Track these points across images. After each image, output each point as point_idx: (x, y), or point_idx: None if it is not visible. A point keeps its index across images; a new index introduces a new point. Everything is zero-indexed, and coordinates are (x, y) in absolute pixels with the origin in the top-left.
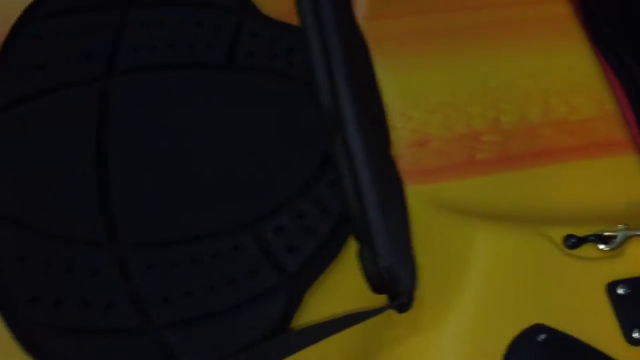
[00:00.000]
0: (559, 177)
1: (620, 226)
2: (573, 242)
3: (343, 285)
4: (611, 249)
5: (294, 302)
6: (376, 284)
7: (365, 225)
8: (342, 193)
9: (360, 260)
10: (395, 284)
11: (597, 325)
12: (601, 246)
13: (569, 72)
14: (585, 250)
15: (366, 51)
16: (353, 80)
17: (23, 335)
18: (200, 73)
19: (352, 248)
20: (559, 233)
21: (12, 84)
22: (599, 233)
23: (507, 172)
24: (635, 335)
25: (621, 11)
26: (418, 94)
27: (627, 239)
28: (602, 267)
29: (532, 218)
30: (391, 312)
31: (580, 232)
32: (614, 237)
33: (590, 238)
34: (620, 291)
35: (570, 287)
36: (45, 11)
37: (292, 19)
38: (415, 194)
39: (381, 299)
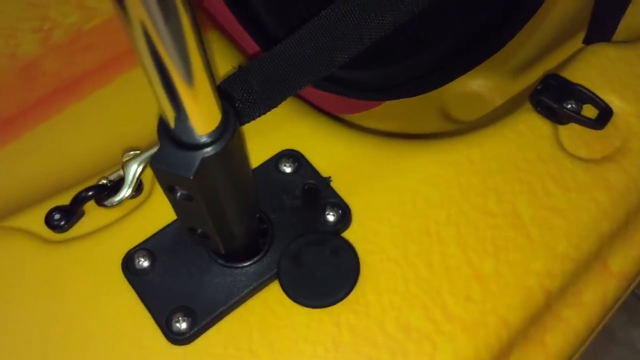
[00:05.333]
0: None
1: (127, 155)
2: (60, 219)
3: None
4: (132, 196)
5: None
6: None
7: None
8: None
9: None
10: None
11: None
12: (116, 198)
13: None
14: (96, 217)
15: None
16: None
17: None
18: None
19: None
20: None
21: None
22: (99, 184)
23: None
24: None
25: None
26: None
27: (144, 168)
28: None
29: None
30: None
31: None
32: (122, 178)
33: (86, 195)
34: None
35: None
36: None
37: None
38: None
39: None
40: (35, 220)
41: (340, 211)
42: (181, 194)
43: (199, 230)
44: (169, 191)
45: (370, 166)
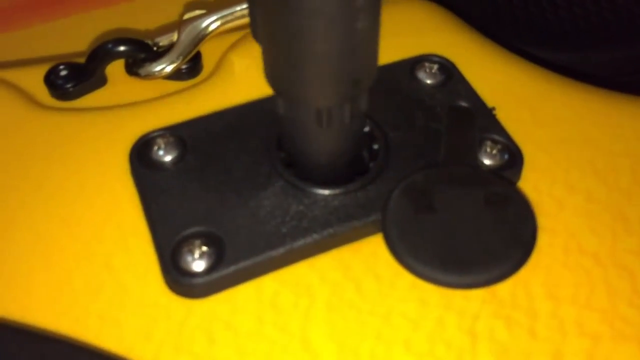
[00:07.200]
0: None
1: (191, 13)
2: (66, 78)
3: None
4: (182, 72)
5: None
6: None
7: None
8: None
9: None
10: None
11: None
12: (156, 67)
13: None
14: (122, 92)
15: None
16: None
17: None
18: None
19: None
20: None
21: None
22: (137, 39)
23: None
24: None
25: None
26: None
27: (208, 34)
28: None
29: None
30: None
31: None
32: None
33: (112, 49)
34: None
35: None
36: None
37: None
38: None
39: None
40: (37, 77)
41: (506, 154)
42: None
43: None
44: None
45: (553, 108)
